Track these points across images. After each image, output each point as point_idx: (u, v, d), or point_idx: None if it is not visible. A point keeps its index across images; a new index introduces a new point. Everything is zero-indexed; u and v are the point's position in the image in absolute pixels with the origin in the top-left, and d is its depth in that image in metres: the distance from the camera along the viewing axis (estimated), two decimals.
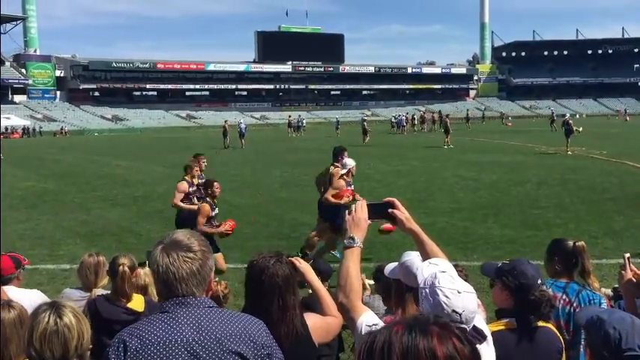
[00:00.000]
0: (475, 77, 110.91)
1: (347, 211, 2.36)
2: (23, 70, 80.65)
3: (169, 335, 1.90)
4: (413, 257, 2.28)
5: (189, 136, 58.12)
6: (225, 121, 41.46)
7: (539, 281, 2.79)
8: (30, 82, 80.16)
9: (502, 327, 2.69)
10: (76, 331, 2.15)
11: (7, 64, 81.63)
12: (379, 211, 2.38)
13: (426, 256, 2.28)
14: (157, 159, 29.31)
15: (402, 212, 2.38)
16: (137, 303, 3.99)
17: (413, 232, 2.38)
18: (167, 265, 1.93)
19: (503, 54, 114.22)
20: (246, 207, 14.38)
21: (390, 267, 2.46)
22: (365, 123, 41.81)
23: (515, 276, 2.77)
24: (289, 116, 59.54)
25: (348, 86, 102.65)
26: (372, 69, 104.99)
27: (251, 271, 2.72)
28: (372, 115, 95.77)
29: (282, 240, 10.54)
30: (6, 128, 57.23)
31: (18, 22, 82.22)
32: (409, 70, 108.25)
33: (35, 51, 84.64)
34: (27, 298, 4.01)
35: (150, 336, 1.89)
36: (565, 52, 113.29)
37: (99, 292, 4.28)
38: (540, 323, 2.73)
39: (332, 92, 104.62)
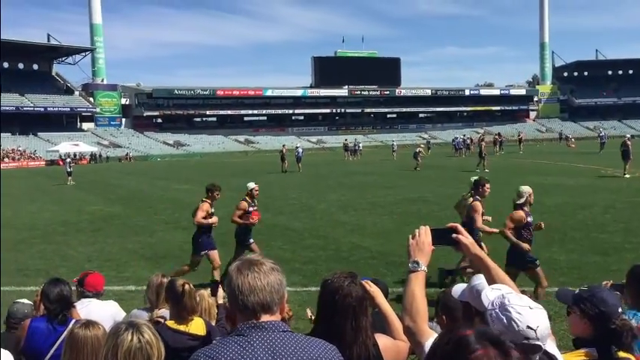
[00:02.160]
0: (535, 98, 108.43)
1: (410, 236, 2.36)
2: (91, 99, 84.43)
3: (244, 359, 1.89)
4: (484, 281, 2.25)
5: (247, 160, 59.11)
6: (283, 146, 42.01)
7: (620, 309, 2.67)
8: (97, 110, 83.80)
9: (582, 357, 2.59)
10: (156, 348, 2.22)
11: (76, 93, 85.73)
12: (443, 236, 2.38)
13: (492, 281, 2.25)
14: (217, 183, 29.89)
15: (466, 237, 2.36)
16: (199, 327, 4.01)
17: (478, 257, 2.36)
18: (250, 284, 1.94)
19: (565, 74, 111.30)
20: (303, 230, 14.46)
21: (458, 289, 2.43)
22: (418, 149, 38.93)
23: (594, 303, 2.66)
24: (345, 140, 59.75)
25: (404, 109, 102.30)
26: (428, 92, 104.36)
27: (324, 291, 2.71)
28: (429, 137, 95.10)
29: (340, 263, 10.51)
30: (75, 154, 59.81)
31: (87, 53, 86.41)
32: (467, 92, 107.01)
33: (102, 80, 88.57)
34: (107, 309, 4.20)
35: (224, 359, 1.90)
36: (630, 72, 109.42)
37: (161, 312, 4.37)
38: (622, 354, 2.61)
39: (388, 115, 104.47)
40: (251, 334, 1.93)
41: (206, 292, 4.55)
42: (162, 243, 13.46)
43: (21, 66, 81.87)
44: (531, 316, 1.84)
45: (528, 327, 1.82)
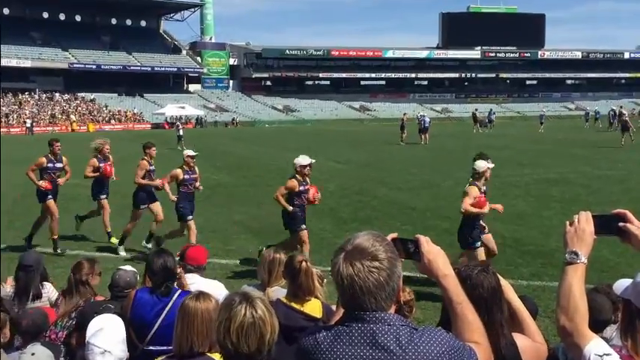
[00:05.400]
0: None
1: (568, 222, 2.27)
2: (198, 59, 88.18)
3: (342, 348, 1.94)
4: None
5: (362, 129, 59.30)
6: (404, 114, 41.68)
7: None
8: (204, 70, 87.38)
9: None
10: (269, 324, 2.31)
11: (184, 52, 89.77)
12: (607, 224, 2.27)
13: None
14: (329, 153, 30.27)
15: (637, 227, 2.23)
16: (315, 308, 4.14)
17: None
18: (352, 277, 1.91)
19: None
20: (426, 209, 14.35)
21: (621, 285, 2.32)
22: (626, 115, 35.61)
23: None
24: (475, 109, 58.23)
25: (547, 75, 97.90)
26: (578, 54, 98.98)
27: None
28: (575, 108, 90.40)
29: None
30: (180, 118, 62.85)
31: (196, 8, 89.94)
32: (626, 56, 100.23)
33: (211, 39, 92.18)
34: (211, 288, 4.43)
35: (323, 344, 1.98)
36: None
37: (272, 291, 4.53)
38: None
39: (527, 82, 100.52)
40: (352, 325, 1.94)
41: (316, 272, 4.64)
42: (271, 216, 13.83)
43: (129, 22, 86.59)
44: None
45: None
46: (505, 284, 2.80)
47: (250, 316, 2.28)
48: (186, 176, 10.26)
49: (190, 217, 10.21)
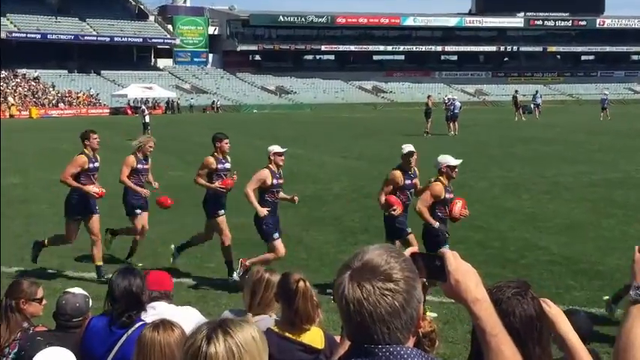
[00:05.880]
0: None
1: (638, 248, 2.26)
2: (170, 27, 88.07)
3: None
4: None
5: (375, 116, 59.23)
6: (429, 97, 41.58)
7: None
8: (177, 41, 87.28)
9: None
10: (257, 356, 2.15)
11: (151, 18, 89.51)
12: None
13: None
14: (333, 146, 30.27)
15: None
16: (315, 337, 4.15)
17: None
18: (360, 302, 1.90)
19: None
20: None
21: None
22: None
23: None
24: (516, 91, 58.24)
25: (607, 48, 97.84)
26: None
27: None
28: None
29: (505, 268, 10.39)
30: (147, 101, 62.78)
31: None
32: None
33: (185, 2, 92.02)
34: (182, 315, 4.43)
35: None
36: None
37: (256, 322, 4.50)
38: None
39: (583, 57, 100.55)
40: None
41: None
42: None
43: None
44: None
45: None
46: (557, 314, 2.77)
47: (228, 349, 2.09)
48: (275, 181, 9.69)
49: (277, 234, 9.68)
